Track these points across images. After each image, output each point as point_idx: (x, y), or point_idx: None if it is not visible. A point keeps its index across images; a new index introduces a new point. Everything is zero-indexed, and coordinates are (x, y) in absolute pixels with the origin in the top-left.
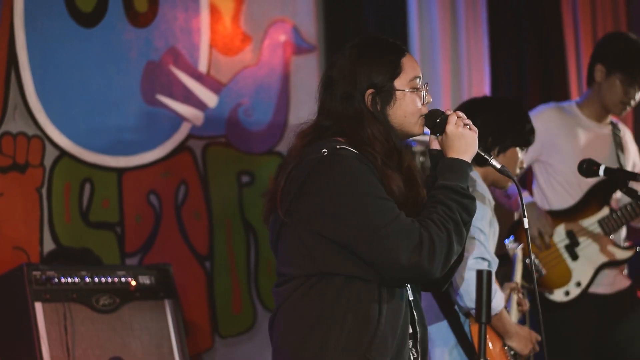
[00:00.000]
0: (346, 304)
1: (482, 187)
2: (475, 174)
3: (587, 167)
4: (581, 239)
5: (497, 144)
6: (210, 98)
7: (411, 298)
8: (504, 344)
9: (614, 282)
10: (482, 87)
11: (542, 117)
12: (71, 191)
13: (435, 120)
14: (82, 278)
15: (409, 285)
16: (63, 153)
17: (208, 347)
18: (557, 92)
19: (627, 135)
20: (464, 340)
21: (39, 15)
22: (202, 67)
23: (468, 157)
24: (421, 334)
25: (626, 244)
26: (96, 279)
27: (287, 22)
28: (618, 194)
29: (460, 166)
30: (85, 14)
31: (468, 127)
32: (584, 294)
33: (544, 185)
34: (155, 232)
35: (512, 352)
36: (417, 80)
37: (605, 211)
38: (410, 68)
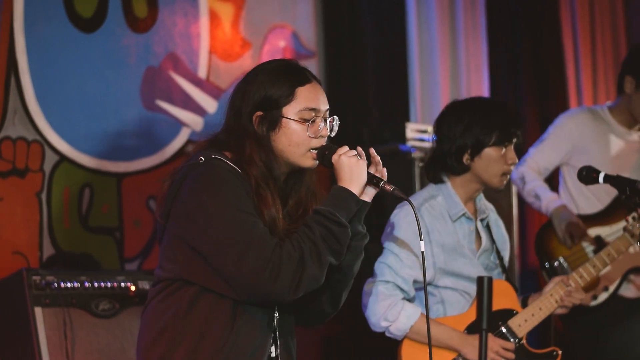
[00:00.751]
0: (197, 316)
1: (421, 200)
2: (444, 187)
3: (587, 175)
4: (609, 244)
5: (467, 150)
6: (209, 104)
7: (276, 321)
8: (460, 356)
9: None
10: (480, 92)
11: (576, 121)
12: (70, 196)
13: (324, 153)
14: (82, 283)
15: (277, 314)
16: (62, 158)
17: None
18: (554, 98)
19: None
20: None
21: (39, 20)
22: (202, 72)
23: (354, 186)
24: (286, 349)
25: None
26: (96, 284)
27: (287, 28)
28: None
29: (339, 194)
30: (85, 19)
31: (356, 157)
32: (612, 297)
33: (572, 189)
34: (154, 237)
35: None
36: (312, 112)
37: (632, 216)
38: (305, 98)
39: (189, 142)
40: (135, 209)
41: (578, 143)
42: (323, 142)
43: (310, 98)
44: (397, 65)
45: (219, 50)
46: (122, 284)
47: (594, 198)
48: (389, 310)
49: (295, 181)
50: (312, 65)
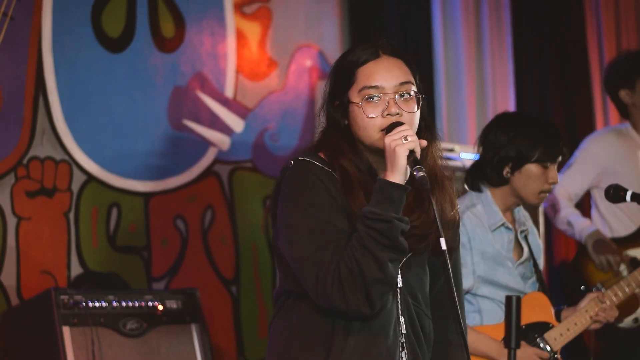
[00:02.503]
0: (313, 331)
1: (477, 210)
2: (485, 196)
3: (614, 193)
4: None
5: (508, 162)
6: (236, 123)
7: (404, 331)
8: None
9: None
10: (506, 109)
11: (602, 142)
12: (98, 215)
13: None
14: (110, 302)
15: (403, 320)
16: (90, 178)
17: None
18: (581, 116)
19: None
20: None
21: (67, 41)
22: (229, 92)
23: (395, 174)
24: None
25: None
26: (123, 303)
27: (313, 47)
28: None
29: (381, 187)
30: (113, 39)
31: (399, 140)
32: None
33: (605, 211)
34: (181, 257)
35: None
36: (373, 89)
37: None
38: (364, 77)
39: (216, 161)
40: (163, 228)
41: (606, 164)
42: (393, 119)
43: (369, 75)
44: (423, 84)
45: (245, 70)
46: (150, 303)
47: (627, 218)
48: None
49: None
50: None
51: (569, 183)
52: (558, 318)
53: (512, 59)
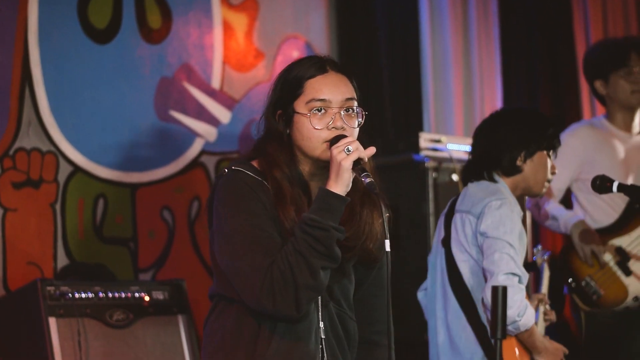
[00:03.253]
0: (242, 336)
1: (509, 199)
2: (503, 185)
3: (601, 184)
4: (630, 254)
5: (522, 150)
6: (223, 114)
7: (323, 336)
8: (532, 359)
9: None
10: (494, 102)
11: (578, 135)
12: (85, 207)
13: (332, 144)
14: (96, 293)
15: (322, 326)
16: (77, 169)
17: None
18: (569, 107)
19: None
20: (490, 352)
21: (53, 32)
22: (215, 83)
23: (339, 184)
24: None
25: None
26: (110, 295)
27: (300, 38)
28: None
29: (322, 196)
30: (99, 30)
31: (343, 152)
32: None
33: (585, 203)
34: (168, 248)
35: None
36: (320, 102)
37: None
38: (312, 90)
39: (202, 152)
40: (150, 219)
41: (585, 157)
42: (338, 133)
43: (318, 89)
44: (410, 75)
45: (232, 61)
46: (136, 294)
47: (609, 207)
48: (522, 304)
49: None
50: None
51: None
52: None
53: (499, 50)
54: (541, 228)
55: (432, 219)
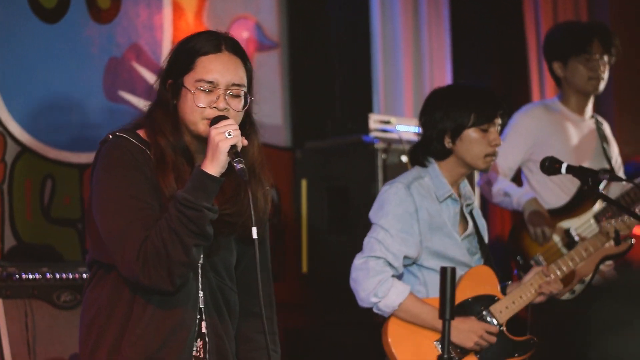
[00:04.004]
0: (119, 305)
1: (403, 183)
2: (433, 169)
3: (549, 165)
4: (579, 236)
5: (446, 133)
6: None
7: (202, 306)
8: (439, 340)
9: (611, 274)
10: (443, 83)
11: (532, 115)
12: (32, 187)
13: (212, 124)
14: (43, 274)
15: (202, 295)
16: (24, 149)
17: None
18: (518, 89)
19: (607, 128)
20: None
21: (1, 11)
22: (164, 64)
23: (213, 165)
24: (215, 344)
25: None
26: (57, 276)
27: (250, 19)
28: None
29: (197, 176)
30: (48, 10)
31: (223, 134)
32: (587, 289)
33: (536, 185)
34: None
35: (458, 349)
36: (209, 84)
37: (598, 205)
38: (203, 69)
39: None
40: None
41: (538, 137)
42: (220, 113)
43: (208, 69)
44: (360, 56)
45: None
46: (84, 276)
47: (559, 190)
48: (379, 286)
49: None
50: (275, 56)
51: (502, 158)
52: (504, 293)
53: (449, 31)
54: (490, 206)
55: None
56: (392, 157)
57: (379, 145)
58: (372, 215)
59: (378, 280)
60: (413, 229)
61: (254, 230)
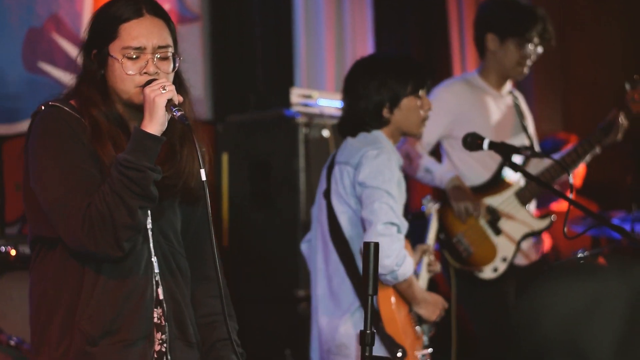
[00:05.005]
0: (66, 281)
1: (387, 149)
2: (380, 135)
3: (471, 141)
4: (501, 213)
5: (385, 103)
6: None
7: (156, 270)
8: (411, 310)
9: (529, 254)
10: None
11: (452, 91)
12: None
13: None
14: None
15: (155, 260)
16: None
17: None
18: (439, 62)
19: (522, 103)
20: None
21: None
22: (85, 34)
23: (153, 124)
24: (172, 309)
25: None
26: None
27: None
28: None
29: (137, 137)
30: None
31: (158, 91)
32: (510, 268)
33: (457, 161)
34: None
35: (417, 317)
36: (135, 50)
37: (519, 183)
38: (128, 36)
39: None
40: (16, 172)
41: (458, 113)
42: (150, 78)
43: (133, 35)
44: (282, 30)
45: None
46: (2, 249)
47: (480, 166)
48: (400, 254)
49: None
50: (197, 29)
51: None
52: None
53: (371, 5)
54: (409, 179)
55: (302, 175)
56: (313, 132)
57: (301, 119)
58: (371, 180)
59: (399, 247)
60: (401, 196)
61: (203, 172)
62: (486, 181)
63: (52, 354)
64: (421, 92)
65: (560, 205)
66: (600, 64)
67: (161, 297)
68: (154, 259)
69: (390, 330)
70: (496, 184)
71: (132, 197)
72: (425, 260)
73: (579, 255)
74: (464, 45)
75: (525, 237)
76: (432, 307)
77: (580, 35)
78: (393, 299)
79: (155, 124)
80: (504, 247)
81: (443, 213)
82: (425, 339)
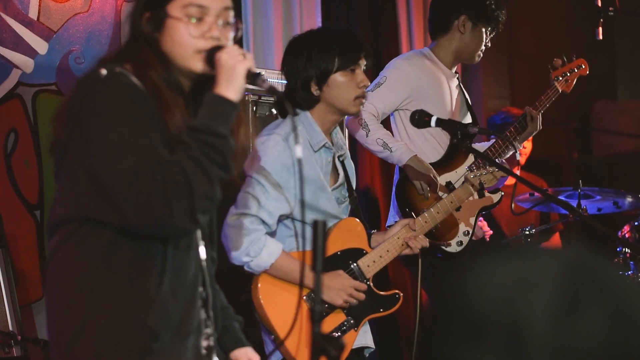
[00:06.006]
0: (121, 260)
1: (280, 134)
2: (304, 117)
3: (419, 118)
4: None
5: (311, 79)
6: (40, 45)
7: (203, 257)
8: (308, 296)
9: (479, 229)
10: None
11: (414, 63)
12: None
13: (211, 54)
14: None
15: (202, 244)
16: None
17: (38, 298)
18: (387, 40)
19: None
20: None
21: None
22: (32, 13)
23: (230, 90)
24: (212, 296)
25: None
26: None
27: None
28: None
29: (214, 101)
30: None
31: (239, 56)
32: (470, 241)
33: (414, 135)
34: None
35: (326, 305)
36: (199, 9)
37: (471, 158)
38: None
39: (19, 83)
40: None
41: (416, 87)
42: (214, 43)
43: None
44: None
45: None
46: None
47: (437, 143)
48: (252, 245)
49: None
50: None
51: (379, 101)
52: (370, 245)
53: None
54: (359, 154)
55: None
56: (262, 110)
57: (250, 97)
58: (248, 167)
59: (250, 239)
60: (289, 184)
61: (298, 147)
62: (443, 157)
63: (102, 348)
64: (355, 68)
65: (507, 182)
66: (547, 39)
67: (201, 287)
68: (201, 243)
69: (265, 318)
70: (450, 160)
71: (212, 165)
72: (403, 234)
73: (526, 232)
74: (411, 23)
75: (481, 211)
76: (335, 290)
77: (526, 8)
78: (274, 288)
79: (233, 91)
80: (465, 221)
81: (406, 188)
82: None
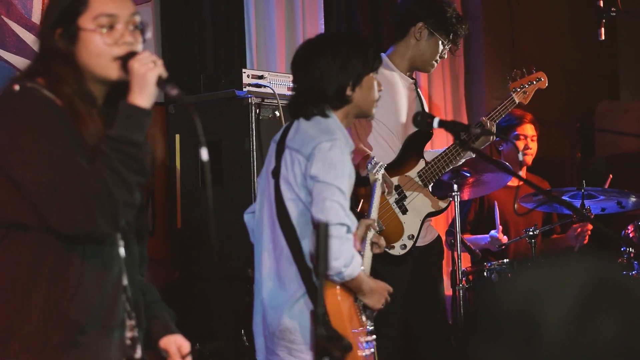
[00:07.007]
0: (48, 259)
1: (340, 139)
2: (335, 120)
3: (422, 120)
4: (407, 192)
5: (350, 80)
6: None
7: (123, 255)
8: (356, 299)
9: (426, 234)
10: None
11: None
12: None
13: (126, 61)
14: None
15: (122, 244)
16: None
17: None
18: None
19: (419, 89)
20: (312, 290)
21: None
22: (35, 17)
23: (143, 97)
24: (133, 292)
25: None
26: None
27: None
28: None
29: (128, 111)
30: None
31: (150, 64)
32: (414, 246)
33: (366, 139)
34: None
35: (362, 305)
36: (109, 17)
37: (422, 163)
38: (98, 4)
39: None
40: None
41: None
42: (128, 49)
43: (104, 3)
44: (233, 10)
45: None
46: None
47: (389, 147)
48: (348, 255)
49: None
50: (147, 9)
51: None
52: None
53: None
54: None
55: (255, 155)
56: (265, 112)
57: (253, 100)
58: (322, 174)
59: (347, 248)
60: (351, 187)
61: (204, 150)
62: (394, 160)
63: (33, 345)
64: (375, 73)
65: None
66: (550, 40)
67: (125, 282)
68: (120, 242)
69: (336, 324)
70: (403, 163)
71: (130, 173)
72: (370, 235)
73: (530, 232)
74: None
75: (428, 216)
76: (378, 295)
77: (528, 11)
78: (339, 292)
79: (145, 98)
80: (411, 225)
81: (356, 191)
82: (369, 325)
